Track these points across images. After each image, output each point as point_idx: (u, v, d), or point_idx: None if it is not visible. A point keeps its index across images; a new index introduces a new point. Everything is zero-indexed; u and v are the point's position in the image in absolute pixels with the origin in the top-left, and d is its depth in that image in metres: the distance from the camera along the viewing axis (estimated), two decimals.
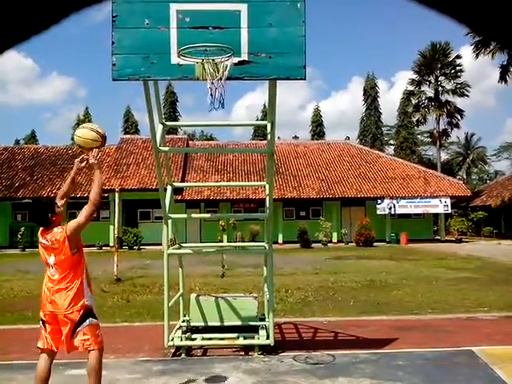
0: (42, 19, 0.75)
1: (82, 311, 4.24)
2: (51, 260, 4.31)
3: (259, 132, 52.57)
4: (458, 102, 45.43)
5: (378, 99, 55.96)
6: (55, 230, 4.34)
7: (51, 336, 4.31)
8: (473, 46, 34.87)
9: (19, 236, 28.23)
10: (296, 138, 43.69)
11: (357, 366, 5.90)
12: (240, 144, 37.81)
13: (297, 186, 31.44)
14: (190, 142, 38.60)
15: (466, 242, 31.47)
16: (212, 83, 4.58)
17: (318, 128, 56.89)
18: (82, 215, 4.42)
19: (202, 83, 4.68)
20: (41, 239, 4.39)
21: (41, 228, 4.44)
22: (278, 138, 42.68)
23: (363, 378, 5.46)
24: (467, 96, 43.81)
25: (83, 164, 4.70)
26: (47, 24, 0.76)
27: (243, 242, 24.91)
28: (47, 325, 4.32)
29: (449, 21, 0.78)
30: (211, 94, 4.64)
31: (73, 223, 4.37)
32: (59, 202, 4.57)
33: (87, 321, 4.23)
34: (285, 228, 30.53)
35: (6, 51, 0.80)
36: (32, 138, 55.29)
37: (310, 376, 5.57)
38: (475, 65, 71.42)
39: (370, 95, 55.39)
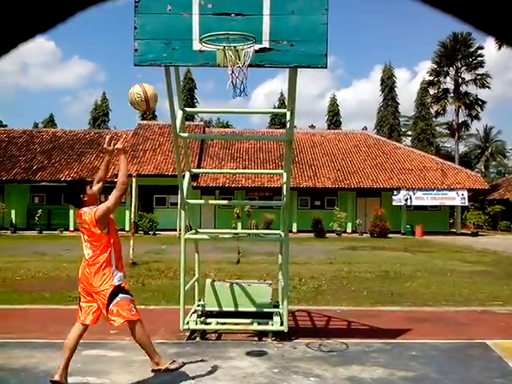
0: (48, 17, 0.76)
1: (110, 289, 4.42)
2: (85, 237, 4.59)
3: (276, 120, 52.43)
4: (481, 93, 44.84)
5: (396, 89, 55.36)
6: (86, 210, 4.58)
7: (85, 309, 4.57)
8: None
9: (37, 218, 28.62)
10: (313, 127, 43.41)
11: (370, 355, 5.94)
12: (256, 132, 37.75)
13: (312, 176, 31.37)
14: (207, 129, 38.62)
15: (482, 235, 31.22)
16: (233, 71, 4.60)
17: (334, 117, 56.47)
18: (111, 200, 4.64)
19: (220, 70, 4.70)
20: (78, 219, 4.70)
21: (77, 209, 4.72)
22: (295, 126, 42.50)
23: (376, 367, 5.49)
24: (488, 87, 43.16)
25: (110, 148, 4.93)
26: (53, 22, 0.77)
27: (257, 230, 24.98)
28: (82, 298, 4.62)
29: (455, 20, 0.78)
30: (232, 82, 4.65)
31: (102, 207, 4.59)
32: (95, 187, 4.85)
33: (117, 297, 4.41)
34: (299, 217, 30.54)
35: (11, 51, 0.80)
36: (50, 121, 55.76)
37: (322, 363, 5.62)
38: (500, 56, 69.72)
39: (387, 85, 54.81)
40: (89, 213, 4.53)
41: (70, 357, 4.53)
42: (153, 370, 4.71)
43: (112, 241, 4.61)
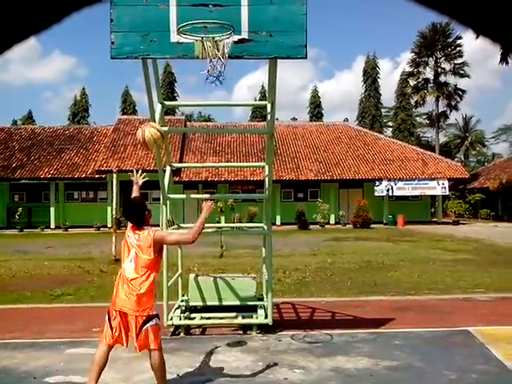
0: (43, 18, 0.74)
1: (150, 313, 4.26)
2: (132, 255, 4.37)
3: (257, 114, 52.30)
4: (460, 83, 45.11)
5: (379, 80, 55.43)
6: (146, 230, 4.44)
7: (117, 333, 4.30)
8: None
9: (17, 217, 28.22)
10: (294, 119, 43.47)
11: (354, 345, 5.96)
12: (238, 125, 37.64)
13: (295, 168, 31.41)
14: (188, 123, 38.38)
15: (463, 224, 31.60)
16: (211, 61, 4.54)
17: (316, 109, 56.47)
18: (173, 237, 4.70)
19: (202, 63, 4.64)
20: (129, 233, 4.48)
21: (130, 224, 4.55)
22: (277, 119, 42.45)
23: (361, 357, 5.52)
24: (467, 76, 43.49)
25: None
26: (48, 23, 0.75)
27: (241, 223, 24.94)
28: (114, 321, 4.30)
29: (450, 20, 0.77)
30: (208, 71, 4.59)
31: (160, 235, 4.52)
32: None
33: (153, 321, 4.26)
34: (283, 209, 30.57)
35: (6, 51, 0.78)
36: (29, 118, 54.91)
37: (307, 354, 5.63)
38: (479, 46, 70.08)
39: (370, 76, 54.86)
40: (148, 233, 4.40)
41: (97, 375, 4.33)
42: None
43: (159, 265, 4.48)
